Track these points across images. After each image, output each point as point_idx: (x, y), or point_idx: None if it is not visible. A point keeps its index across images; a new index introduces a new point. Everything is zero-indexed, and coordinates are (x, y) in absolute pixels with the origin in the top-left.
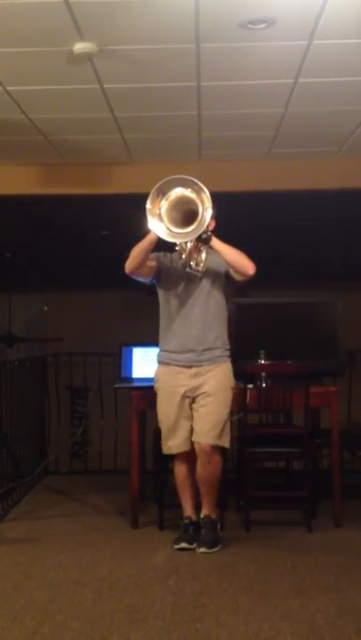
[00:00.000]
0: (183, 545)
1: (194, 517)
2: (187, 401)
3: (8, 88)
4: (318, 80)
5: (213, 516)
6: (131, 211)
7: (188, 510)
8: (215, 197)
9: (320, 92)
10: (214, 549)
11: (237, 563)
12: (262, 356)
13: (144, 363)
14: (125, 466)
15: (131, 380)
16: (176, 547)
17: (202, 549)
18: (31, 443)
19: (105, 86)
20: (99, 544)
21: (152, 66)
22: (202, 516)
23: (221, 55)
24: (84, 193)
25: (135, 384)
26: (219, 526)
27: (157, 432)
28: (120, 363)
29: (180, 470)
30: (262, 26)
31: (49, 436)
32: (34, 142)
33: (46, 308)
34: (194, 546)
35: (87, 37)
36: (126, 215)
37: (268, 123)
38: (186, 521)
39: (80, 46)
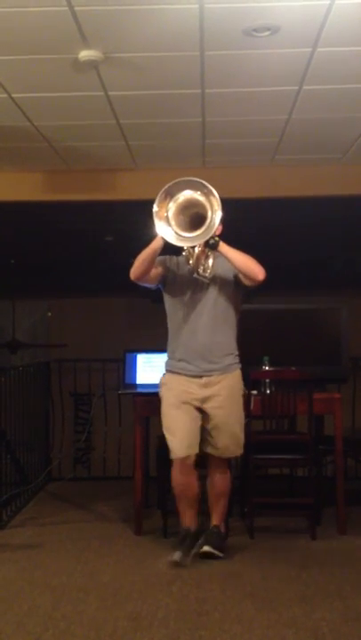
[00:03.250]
0: (175, 557)
1: (193, 527)
2: (196, 408)
3: (13, 95)
4: (322, 87)
5: (222, 529)
6: (135, 217)
7: (186, 519)
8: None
9: (324, 99)
10: (218, 552)
11: (241, 570)
12: (266, 362)
13: (148, 369)
14: (129, 472)
15: (134, 386)
16: (170, 559)
17: (206, 547)
18: (35, 449)
19: (110, 93)
20: (102, 550)
21: (157, 73)
22: (211, 525)
23: (225, 62)
24: (89, 199)
25: (139, 390)
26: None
27: (161, 438)
28: (124, 369)
29: (180, 476)
30: (266, 33)
31: (53, 443)
32: (39, 149)
33: (50, 314)
34: (188, 560)
35: (92, 45)
36: (130, 221)
37: (272, 130)
38: (184, 531)
39: (85, 54)
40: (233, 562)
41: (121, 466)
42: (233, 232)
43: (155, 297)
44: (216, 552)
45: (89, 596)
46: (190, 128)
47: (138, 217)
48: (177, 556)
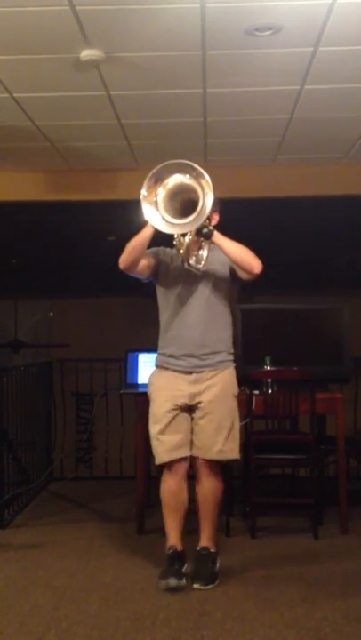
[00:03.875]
0: (172, 583)
1: (179, 547)
2: (184, 407)
3: (15, 95)
4: (324, 87)
5: (213, 550)
6: (136, 217)
7: (172, 538)
8: (220, 204)
9: (326, 98)
10: (210, 586)
11: (243, 570)
12: (268, 362)
13: (150, 369)
14: (131, 472)
15: (136, 385)
16: (163, 588)
17: (196, 585)
18: (37, 448)
19: (111, 93)
20: (104, 550)
21: (158, 73)
22: (199, 547)
23: (227, 62)
24: (90, 199)
25: (141, 390)
26: (218, 564)
27: None
28: (126, 369)
29: (169, 485)
30: (268, 33)
31: (54, 442)
32: (40, 149)
33: (52, 314)
34: (184, 581)
35: (94, 44)
36: (132, 221)
37: (274, 129)
38: (169, 551)
39: (87, 53)
40: (235, 562)
41: (123, 465)
42: (234, 232)
43: (156, 296)
44: (207, 587)
45: (91, 595)
46: (192, 128)
47: (139, 217)
48: (172, 581)
